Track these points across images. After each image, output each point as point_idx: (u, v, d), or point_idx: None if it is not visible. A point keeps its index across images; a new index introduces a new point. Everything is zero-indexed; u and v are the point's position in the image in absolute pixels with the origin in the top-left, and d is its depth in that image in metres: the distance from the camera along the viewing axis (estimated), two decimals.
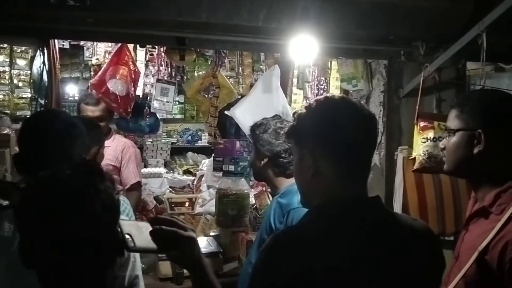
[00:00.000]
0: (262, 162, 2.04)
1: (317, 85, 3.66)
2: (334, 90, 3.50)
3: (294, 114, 1.26)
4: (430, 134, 2.46)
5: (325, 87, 3.60)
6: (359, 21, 2.40)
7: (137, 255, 1.46)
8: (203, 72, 4.07)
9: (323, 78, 3.61)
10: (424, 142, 2.47)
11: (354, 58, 3.07)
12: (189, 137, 6.34)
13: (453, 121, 1.51)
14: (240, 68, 4.32)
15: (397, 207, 2.71)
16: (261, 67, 4.38)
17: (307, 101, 3.68)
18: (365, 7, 2.36)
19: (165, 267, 2.55)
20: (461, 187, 2.60)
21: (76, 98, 5.30)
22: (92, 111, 3.23)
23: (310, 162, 1.15)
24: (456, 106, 1.52)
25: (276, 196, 2.01)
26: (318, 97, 1.23)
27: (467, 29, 2.28)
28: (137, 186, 3.42)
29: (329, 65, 3.53)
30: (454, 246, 1.57)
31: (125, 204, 1.83)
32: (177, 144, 6.14)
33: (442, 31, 2.47)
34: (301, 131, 1.20)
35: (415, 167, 2.52)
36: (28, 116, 4.18)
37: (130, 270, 1.45)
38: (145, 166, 5.23)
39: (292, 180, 1.95)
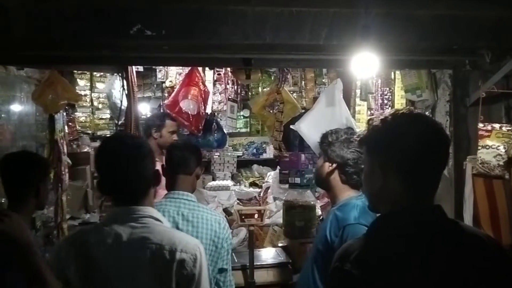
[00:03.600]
0: (330, 168, 2.04)
1: (381, 96, 3.61)
2: (400, 100, 3.47)
3: (369, 121, 1.28)
4: (487, 142, 2.50)
5: (390, 97, 3.56)
6: (421, 34, 2.41)
7: None
8: (267, 88, 4.20)
9: (387, 89, 3.56)
10: (479, 149, 2.51)
11: (417, 69, 3.06)
12: (254, 150, 6.45)
13: None
14: (303, 82, 4.41)
15: (468, 217, 2.66)
16: (323, 80, 4.43)
17: (374, 112, 3.66)
18: (427, 19, 2.37)
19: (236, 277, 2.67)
20: None
21: (148, 116, 5.64)
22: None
23: (380, 174, 1.20)
24: None
25: (334, 207, 2.02)
26: (395, 112, 1.25)
27: None
28: None
29: (392, 75, 3.50)
30: None
31: (225, 221, 2.28)
32: (242, 157, 6.24)
33: (507, 39, 2.42)
34: (375, 143, 1.24)
35: (472, 172, 2.59)
36: (107, 135, 4.55)
37: None
38: (213, 179, 5.41)
39: (352, 193, 2.00)
